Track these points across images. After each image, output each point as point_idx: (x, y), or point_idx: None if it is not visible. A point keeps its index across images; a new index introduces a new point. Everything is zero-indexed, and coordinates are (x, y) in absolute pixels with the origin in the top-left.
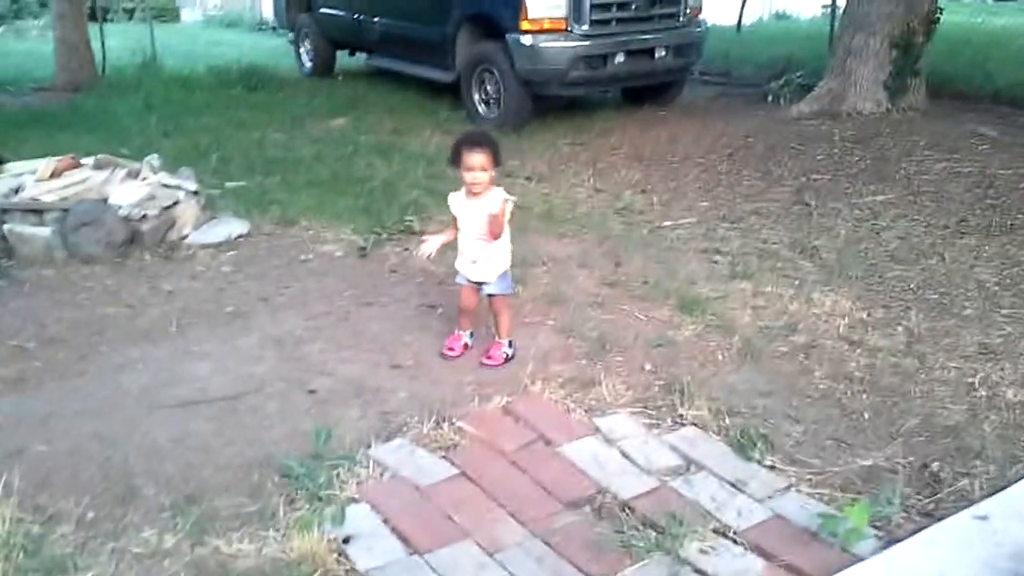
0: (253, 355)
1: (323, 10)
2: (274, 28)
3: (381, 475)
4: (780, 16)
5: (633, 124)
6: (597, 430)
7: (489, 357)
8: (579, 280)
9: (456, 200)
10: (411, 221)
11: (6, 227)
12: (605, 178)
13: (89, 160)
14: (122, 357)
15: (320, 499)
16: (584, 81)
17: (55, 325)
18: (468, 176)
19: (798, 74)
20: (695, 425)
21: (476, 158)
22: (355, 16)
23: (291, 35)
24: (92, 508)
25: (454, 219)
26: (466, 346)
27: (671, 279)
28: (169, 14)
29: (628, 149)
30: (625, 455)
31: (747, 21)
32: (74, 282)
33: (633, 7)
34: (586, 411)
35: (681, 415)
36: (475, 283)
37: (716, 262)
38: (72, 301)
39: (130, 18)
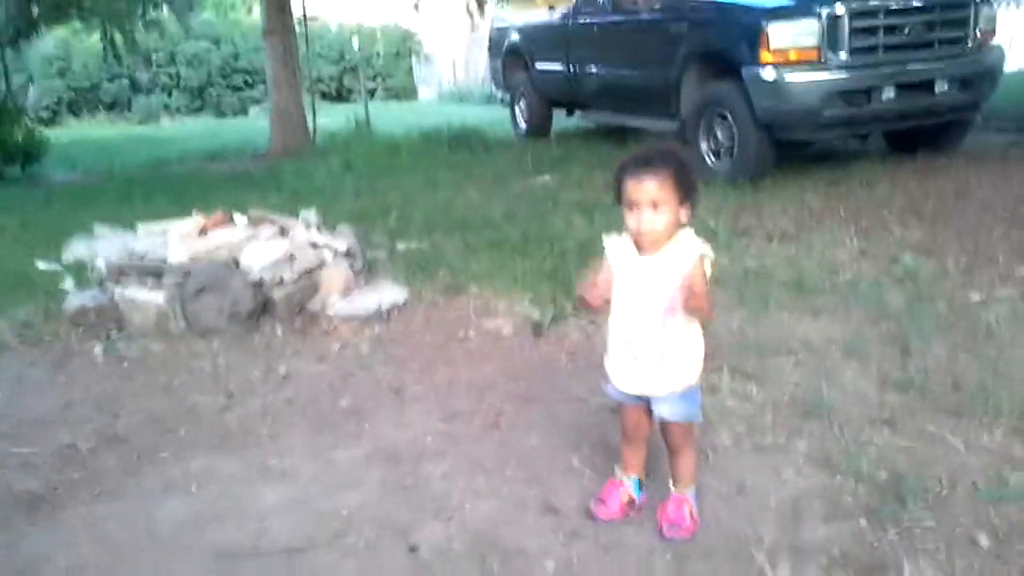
0: (351, 477)
1: (539, 65)
2: (502, 100)
3: None
4: None
5: (904, 174)
6: None
7: (673, 523)
8: (848, 378)
9: (618, 249)
10: None
11: (117, 291)
12: (873, 238)
13: (242, 217)
14: (180, 470)
15: None
16: (842, 122)
17: (128, 418)
18: (631, 220)
19: None
20: None
21: (646, 188)
22: (571, 68)
23: (506, 97)
24: None
25: (604, 281)
26: (631, 502)
27: (1000, 382)
28: (407, 93)
29: (901, 203)
30: None
31: None
32: (181, 360)
33: (906, 31)
34: None
35: None
36: (638, 397)
37: None
38: (167, 386)
39: (371, 97)
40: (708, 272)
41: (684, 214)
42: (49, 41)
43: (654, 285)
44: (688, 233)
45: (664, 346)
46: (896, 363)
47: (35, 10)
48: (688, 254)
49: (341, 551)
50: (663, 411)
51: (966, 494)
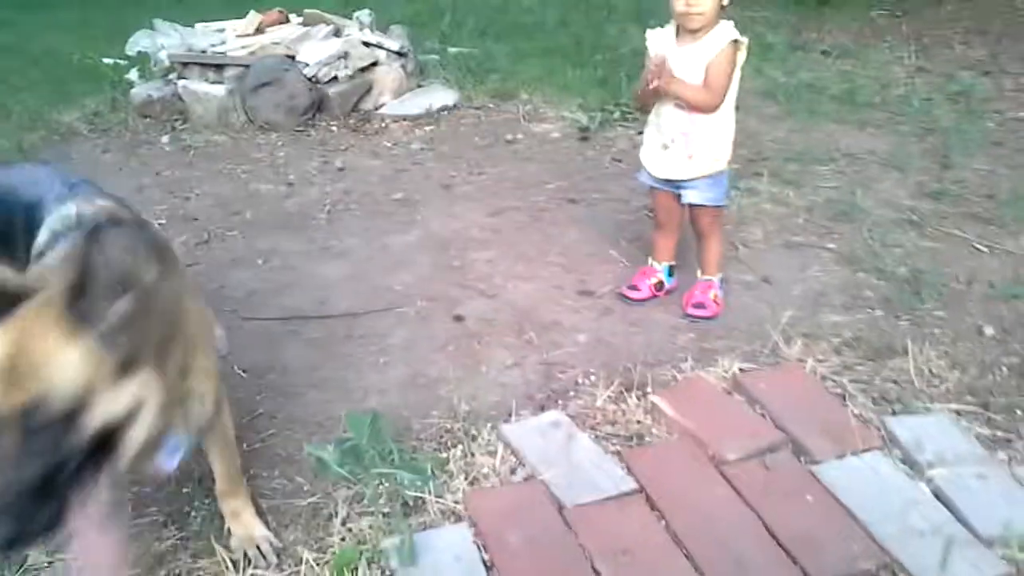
0: (403, 258)
1: None
2: None
3: (511, 472)
4: None
5: None
6: (892, 441)
7: (697, 305)
8: (884, 186)
9: (659, 40)
10: None
11: (181, 84)
12: (933, 55)
13: (297, 17)
14: (247, 247)
15: (404, 505)
16: None
17: (197, 200)
18: (679, 3)
19: None
20: None
21: None
22: None
23: None
24: None
25: (653, 67)
26: (660, 286)
27: None
28: None
29: (968, 22)
30: (943, 500)
31: None
32: (243, 151)
33: None
34: (875, 401)
35: None
36: (668, 183)
37: None
38: (230, 173)
39: None
40: (741, 60)
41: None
42: None
43: (687, 73)
44: (726, 23)
45: (695, 134)
46: (935, 174)
47: None
48: (720, 40)
49: (395, 317)
50: (691, 196)
51: (981, 291)
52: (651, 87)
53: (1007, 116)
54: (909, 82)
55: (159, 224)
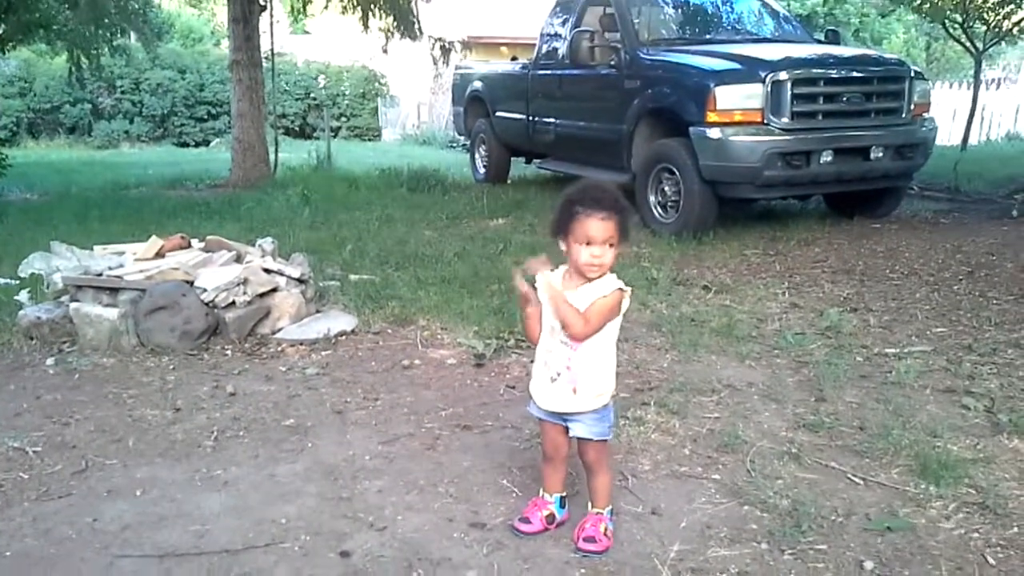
0: (290, 489)
1: (499, 114)
2: (463, 145)
3: None
4: (1013, 137)
5: (840, 235)
6: None
7: (587, 539)
8: (764, 418)
9: (549, 284)
10: None
11: (71, 306)
12: (804, 293)
13: (199, 242)
14: (126, 476)
15: None
16: (781, 183)
17: (77, 427)
18: (584, 254)
19: None
20: None
21: (602, 228)
22: (530, 117)
23: (467, 142)
24: None
25: (535, 311)
26: (552, 518)
27: (902, 427)
28: (371, 133)
29: (834, 262)
30: None
31: (972, 142)
32: (131, 375)
33: (845, 99)
34: None
35: None
36: (555, 416)
37: (967, 407)
38: (116, 398)
39: (335, 136)
40: (625, 307)
41: (620, 249)
42: (12, 61)
43: None
44: (612, 276)
45: (578, 369)
46: (810, 406)
47: (0, 29)
48: (606, 288)
49: (277, 554)
50: (578, 430)
51: (859, 524)
52: (532, 267)
53: (873, 351)
54: (783, 317)
55: (33, 452)
